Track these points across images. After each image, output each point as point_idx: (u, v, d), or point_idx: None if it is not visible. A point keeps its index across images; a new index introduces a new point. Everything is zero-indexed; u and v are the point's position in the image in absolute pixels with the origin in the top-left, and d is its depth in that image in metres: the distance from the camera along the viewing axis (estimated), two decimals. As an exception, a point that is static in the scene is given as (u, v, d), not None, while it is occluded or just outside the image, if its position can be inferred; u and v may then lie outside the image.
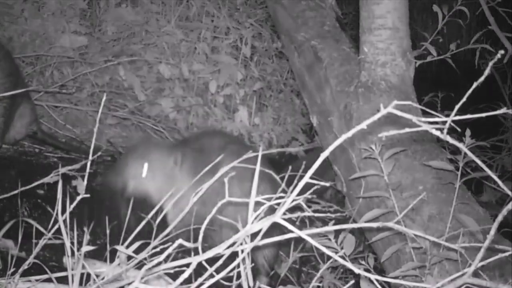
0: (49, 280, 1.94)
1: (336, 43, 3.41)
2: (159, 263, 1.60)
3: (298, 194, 1.31)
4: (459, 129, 1.22)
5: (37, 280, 1.93)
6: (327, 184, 1.32)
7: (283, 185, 1.77)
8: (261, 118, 4.21)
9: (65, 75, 3.94)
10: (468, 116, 1.22)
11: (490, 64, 1.20)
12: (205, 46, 4.14)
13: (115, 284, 1.80)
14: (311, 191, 1.40)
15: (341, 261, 1.36)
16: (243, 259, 1.46)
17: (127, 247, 1.81)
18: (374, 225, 1.34)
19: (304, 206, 1.34)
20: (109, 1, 4.18)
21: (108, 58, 3.99)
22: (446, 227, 2.25)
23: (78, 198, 1.88)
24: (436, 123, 1.16)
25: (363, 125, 1.13)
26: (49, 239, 1.89)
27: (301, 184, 1.25)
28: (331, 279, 2.70)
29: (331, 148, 1.21)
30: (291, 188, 1.31)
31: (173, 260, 1.69)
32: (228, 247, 1.36)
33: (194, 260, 1.40)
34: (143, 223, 1.96)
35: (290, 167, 2.09)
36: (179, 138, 3.08)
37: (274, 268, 2.87)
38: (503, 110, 1.20)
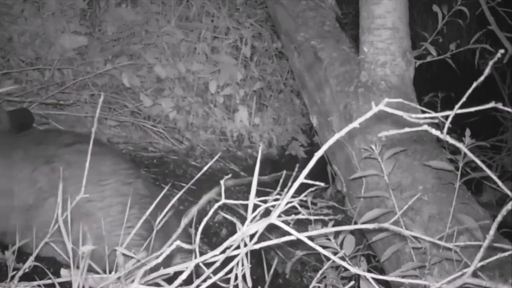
0: (51, 285, 1.93)
1: (336, 43, 3.41)
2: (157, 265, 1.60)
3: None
4: (451, 126, 1.22)
5: (38, 286, 1.92)
6: (323, 184, 1.31)
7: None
8: (261, 118, 4.21)
9: (66, 75, 3.94)
10: (460, 110, 1.22)
11: (490, 64, 1.19)
12: (205, 46, 4.13)
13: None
14: (307, 191, 1.40)
15: (339, 261, 1.36)
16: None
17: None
18: (370, 226, 1.33)
19: (299, 207, 1.33)
20: (109, 1, 4.17)
21: (108, 58, 3.98)
22: (446, 227, 2.25)
23: (78, 198, 1.87)
24: (434, 120, 1.16)
25: (356, 123, 1.13)
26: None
27: (296, 185, 1.25)
28: (334, 278, 2.69)
29: (325, 146, 1.21)
30: (286, 189, 1.31)
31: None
32: (225, 249, 1.35)
33: (191, 263, 1.39)
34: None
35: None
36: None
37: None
38: (491, 104, 1.19)
